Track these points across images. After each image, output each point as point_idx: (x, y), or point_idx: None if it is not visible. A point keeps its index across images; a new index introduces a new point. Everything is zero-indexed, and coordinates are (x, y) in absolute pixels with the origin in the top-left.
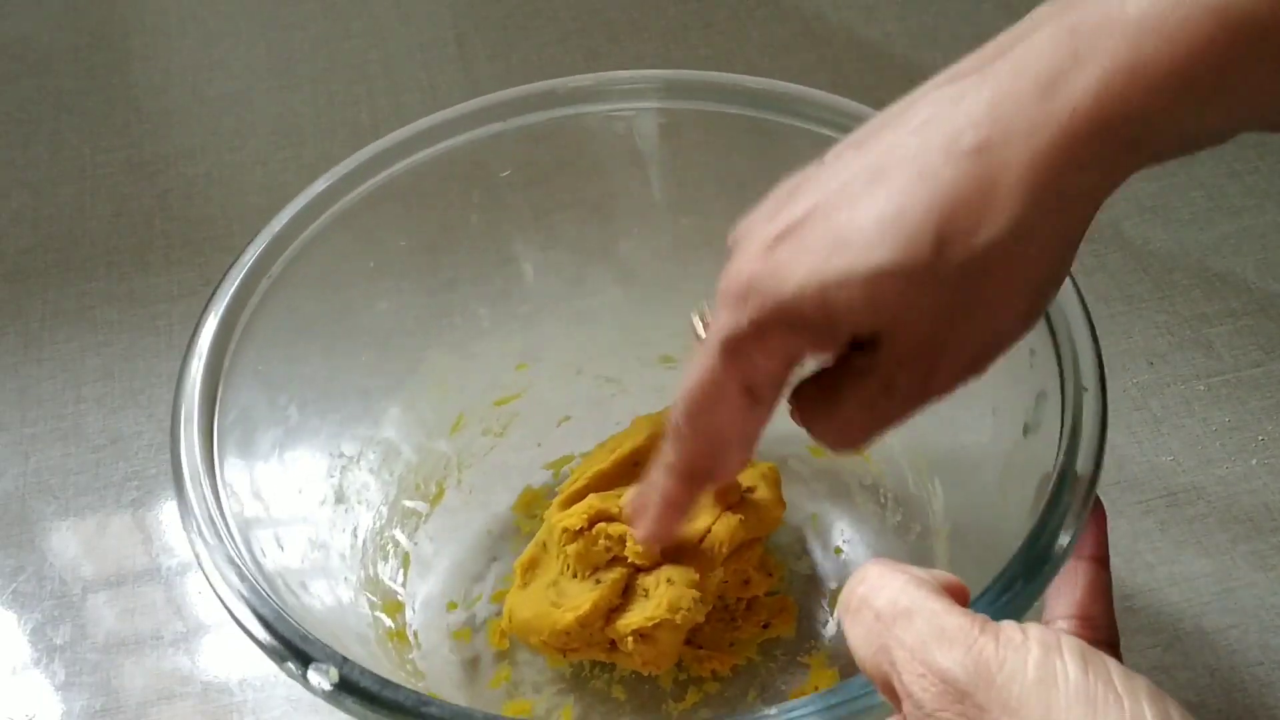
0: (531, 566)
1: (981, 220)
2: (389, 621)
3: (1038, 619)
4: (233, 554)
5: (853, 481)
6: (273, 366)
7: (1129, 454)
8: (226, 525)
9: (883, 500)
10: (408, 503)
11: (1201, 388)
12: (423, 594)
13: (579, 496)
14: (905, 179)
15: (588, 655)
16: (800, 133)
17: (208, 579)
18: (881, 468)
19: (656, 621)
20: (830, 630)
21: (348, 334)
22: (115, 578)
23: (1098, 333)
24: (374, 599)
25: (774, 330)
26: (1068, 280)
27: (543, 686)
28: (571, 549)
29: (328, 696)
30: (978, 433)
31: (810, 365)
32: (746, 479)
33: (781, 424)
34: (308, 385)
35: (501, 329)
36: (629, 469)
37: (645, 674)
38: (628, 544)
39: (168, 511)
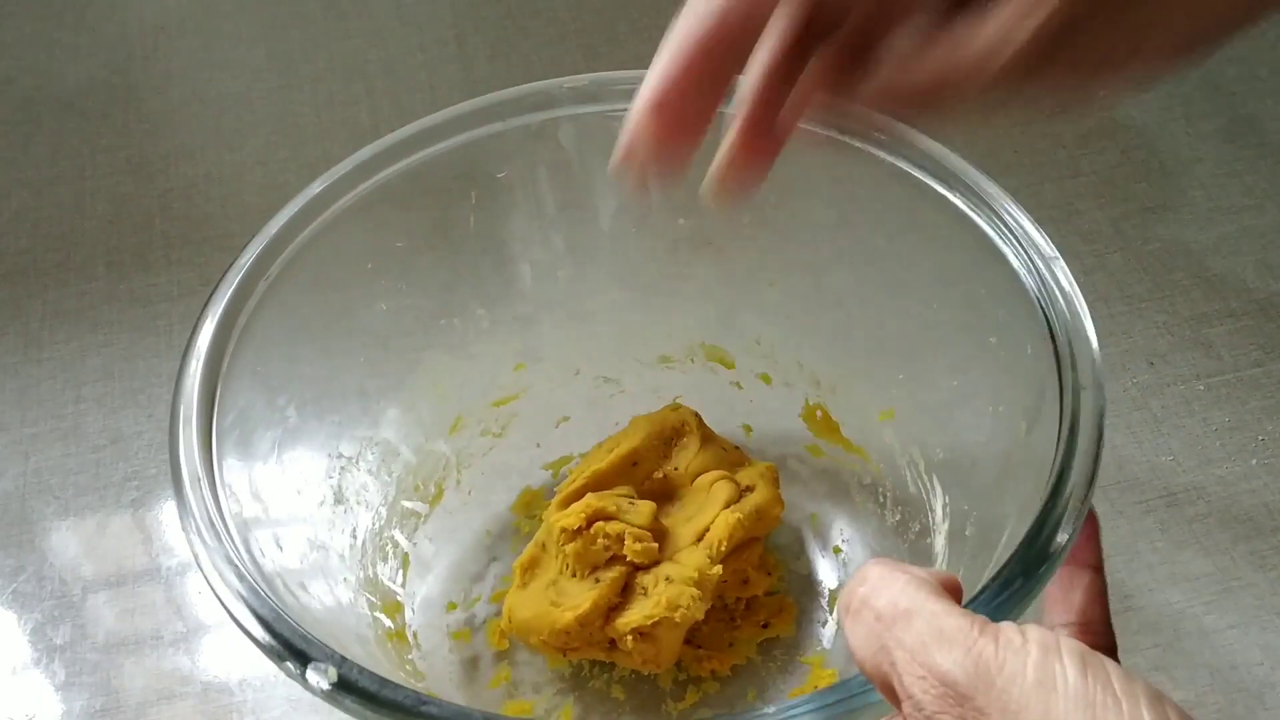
0: (531, 566)
1: None
2: (388, 622)
3: (1038, 620)
4: (232, 554)
5: (852, 481)
6: (271, 367)
7: (1129, 454)
8: (225, 526)
9: (882, 500)
10: (407, 503)
11: (1201, 388)
12: (422, 594)
13: (577, 496)
14: None
15: (588, 655)
16: (799, 133)
17: (207, 579)
18: (881, 467)
19: (656, 620)
20: (829, 630)
21: (346, 335)
22: (115, 578)
23: (1098, 332)
24: (373, 599)
25: None
26: (1068, 279)
27: (542, 686)
28: (570, 548)
29: (327, 696)
30: (976, 432)
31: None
32: (745, 478)
33: (781, 423)
34: (307, 386)
35: (500, 329)
36: (627, 469)
37: (645, 673)
38: (626, 543)
39: (168, 511)
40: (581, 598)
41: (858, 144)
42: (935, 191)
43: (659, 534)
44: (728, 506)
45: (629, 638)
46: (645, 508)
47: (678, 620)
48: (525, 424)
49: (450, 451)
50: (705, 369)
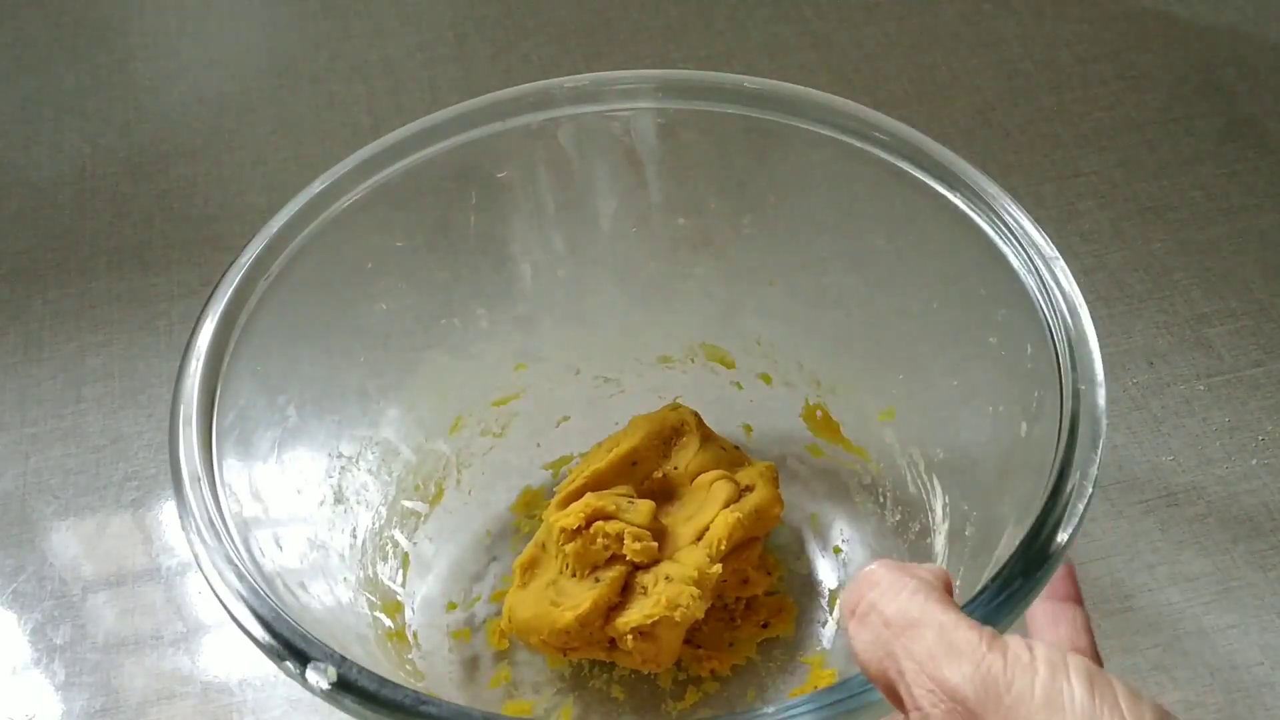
0: (531, 566)
1: None
2: (388, 621)
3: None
4: (231, 554)
5: (852, 481)
6: (271, 367)
7: (1129, 454)
8: (225, 526)
9: (881, 500)
10: (407, 503)
11: (1201, 388)
12: (422, 594)
13: (577, 496)
14: None
15: (588, 654)
16: (799, 133)
17: (206, 579)
18: (881, 467)
19: (656, 619)
20: (829, 630)
21: (346, 334)
22: (115, 578)
23: (1098, 332)
24: (373, 599)
25: None
26: (1068, 279)
27: (542, 686)
28: (570, 548)
29: (326, 696)
30: (976, 431)
31: None
32: (745, 478)
33: (781, 423)
34: (306, 386)
35: (500, 329)
36: (627, 468)
37: (645, 673)
38: (626, 542)
39: (168, 511)
40: (581, 597)
41: (858, 144)
42: (935, 191)
43: (659, 533)
44: (727, 506)
45: (629, 637)
46: (645, 507)
47: (678, 619)
48: (525, 424)
49: (450, 451)
50: (705, 369)
